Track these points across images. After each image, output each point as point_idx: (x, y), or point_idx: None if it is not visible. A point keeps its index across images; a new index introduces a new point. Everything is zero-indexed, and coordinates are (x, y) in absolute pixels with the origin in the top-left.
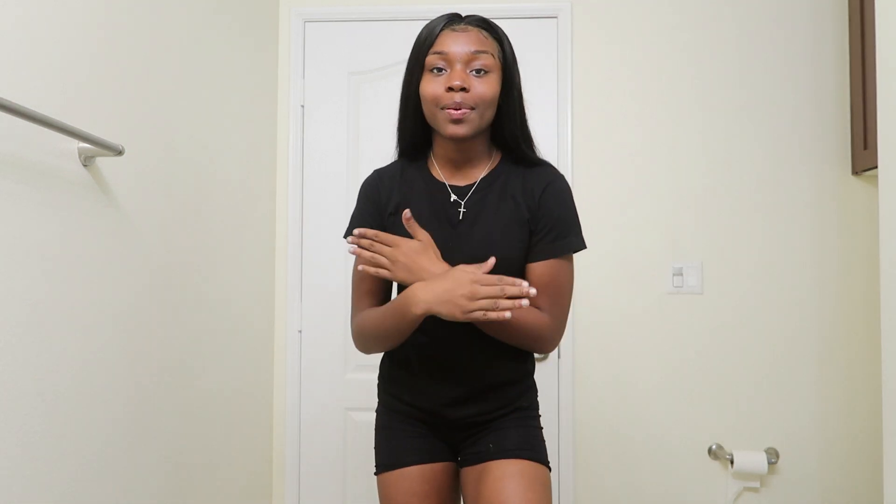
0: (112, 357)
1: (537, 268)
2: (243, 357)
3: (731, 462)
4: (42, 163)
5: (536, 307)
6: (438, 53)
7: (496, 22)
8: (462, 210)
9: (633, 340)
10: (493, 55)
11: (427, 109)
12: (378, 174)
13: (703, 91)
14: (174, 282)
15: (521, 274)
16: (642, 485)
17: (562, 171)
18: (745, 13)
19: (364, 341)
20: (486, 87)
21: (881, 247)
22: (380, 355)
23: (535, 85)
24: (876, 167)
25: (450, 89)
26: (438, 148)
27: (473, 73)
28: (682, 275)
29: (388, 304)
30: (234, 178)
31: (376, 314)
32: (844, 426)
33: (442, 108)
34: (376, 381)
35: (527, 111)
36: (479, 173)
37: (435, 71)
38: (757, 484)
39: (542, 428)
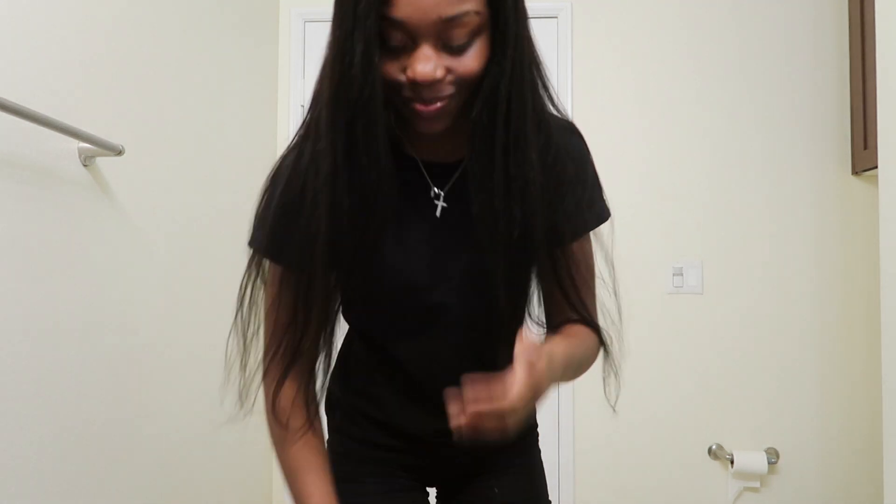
0: (112, 356)
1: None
2: None
3: (731, 462)
4: (42, 163)
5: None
6: (391, 21)
7: None
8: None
9: (633, 340)
10: (475, 12)
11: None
12: None
13: (703, 91)
14: (174, 281)
15: None
16: (642, 485)
17: None
18: (744, 13)
19: None
20: (471, 62)
21: (881, 247)
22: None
23: None
24: (876, 167)
25: (413, 82)
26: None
27: (447, 48)
28: (682, 275)
29: None
30: (234, 178)
31: None
32: (844, 426)
33: (405, 100)
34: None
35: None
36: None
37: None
38: (757, 484)
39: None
